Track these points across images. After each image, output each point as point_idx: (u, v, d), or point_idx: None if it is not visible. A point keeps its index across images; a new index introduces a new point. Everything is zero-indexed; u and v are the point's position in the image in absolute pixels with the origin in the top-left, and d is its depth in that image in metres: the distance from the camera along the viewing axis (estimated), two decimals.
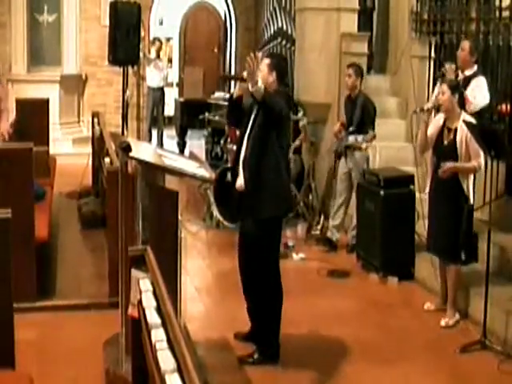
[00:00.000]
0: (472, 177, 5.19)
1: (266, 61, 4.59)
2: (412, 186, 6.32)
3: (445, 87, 5.20)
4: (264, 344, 4.56)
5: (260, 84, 4.34)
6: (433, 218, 5.37)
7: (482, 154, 5.05)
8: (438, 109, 5.30)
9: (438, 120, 5.34)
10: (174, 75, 14.96)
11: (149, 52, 12.13)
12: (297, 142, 8.08)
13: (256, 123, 4.51)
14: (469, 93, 5.70)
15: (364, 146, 6.76)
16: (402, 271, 6.18)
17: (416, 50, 7.76)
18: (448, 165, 5.05)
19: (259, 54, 4.38)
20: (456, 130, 5.12)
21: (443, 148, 5.19)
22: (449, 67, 6.12)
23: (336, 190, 7.11)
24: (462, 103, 5.23)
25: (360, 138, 6.66)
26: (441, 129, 5.25)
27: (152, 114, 11.99)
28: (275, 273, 4.60)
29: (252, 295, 4.65)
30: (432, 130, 5.31)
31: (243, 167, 4.49)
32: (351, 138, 6.68)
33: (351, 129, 6.78)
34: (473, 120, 5.15)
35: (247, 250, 4.60)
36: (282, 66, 4.69)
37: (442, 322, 5.24)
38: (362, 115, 6.77)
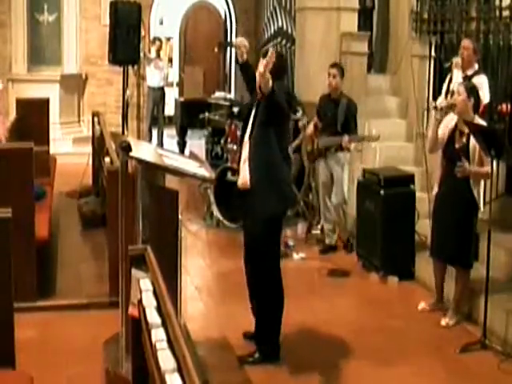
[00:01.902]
0: (482, 183, 5.14)
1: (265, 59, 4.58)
2: (412, 186, 6.32)
3: (461, 88, 5.11)
4: (265, 344, 4.56)
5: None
6: (440, 224, 5.30)
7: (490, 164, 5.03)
8: (452, 107, 5.18)
9: (449, 121, 5.24)
10: (174, 75, 14.96)
11: (149, 51, 12.13)
12: (297, 142, 8.07)
13: (257, 122, 4.50)
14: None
15: (353, 146, 6.72)
16: (403, 271, 6.18)
17: (416, 49, 7.76)
18: (466, 166, 4.97)
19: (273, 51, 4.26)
20: (469, 133, 5.05)
21: (455, 151, 5.12)
22: (456, 61, 6.05)
23: (320, 196, 7.09)
24: (477, 107, 5.15)
25: (359, 136, 6.63)
26: (452, 131, 5.18)
27: (152, 113, 11.99)
28: (277, 273, 4.59)
29: (255, 295, 4.65)
30: (443, 130, 5.23)
31: (248, 167, 4.48)
32: (346, 138, 6.59)
33: (338, 129, 6.73)
34: (484, 123, 5.12)
35: (251, 249, 4.60)
36: (278, 65, 4.55)
37: (443, 322, 5.24)
38: (346, 117, 6.72)
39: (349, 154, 6.86)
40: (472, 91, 5.11)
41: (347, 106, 6.74)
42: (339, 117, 6.71)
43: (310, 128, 6.96)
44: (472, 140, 5.03)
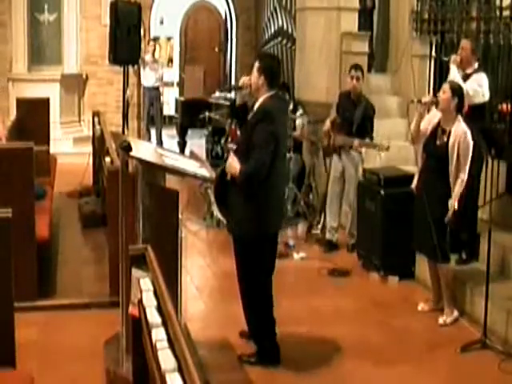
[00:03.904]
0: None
1: (256, 64, 4.50)
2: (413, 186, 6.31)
3: (447, 87, 5.17)
4: (260, 344, 4.56)
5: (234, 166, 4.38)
6: (419, 217, 5.34)
7: (467, 168, 5.07)
8: (435, 104, 5.25)
9: (433, 116, 5.32)
10: (174, 74, 14.96)
11: (146, 52, 12.09)
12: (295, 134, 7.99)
13: (242, 139, 4.53)
14: (468, 86, 5.69)
15: (363, 150, 6.76)
16: (403, 270, 6.18)
17: (416, 49, 7.77)
18: (453, 204, 5.04)
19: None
20: (450, 132, 5.11)
21: (435, 148, 5.21)
22: (454, 58, 6.07)
23: (328, 191, 7.10)
24: (461, 108, 5.19)
25: (370, 143, 6.64)
26: (435, 127, 5.24)
27: (148, 113, 11.98)
28: (257, 278, 4.51)
29: (242, 299, 4.64)
30: (426, 125, 5.32)
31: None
32: (356, 142, 6.60)
33: (353, 131, 6.75)
34: (465, 127, 5.13)
35: (234, 251, 4.62)
36: (271, 68, 4.49)
37: (440, 320, 5.25)
38: (363, 119, 6.74)
39: (362, 155, 6.88)
40: (457, 91, 5.15)
41: (365, 108, 6.78)
42: (356, 119, 6.74)
43: (327, 124, 7.01)
44: (452, 139, 5.08)
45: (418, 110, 5.37)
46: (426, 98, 5.43)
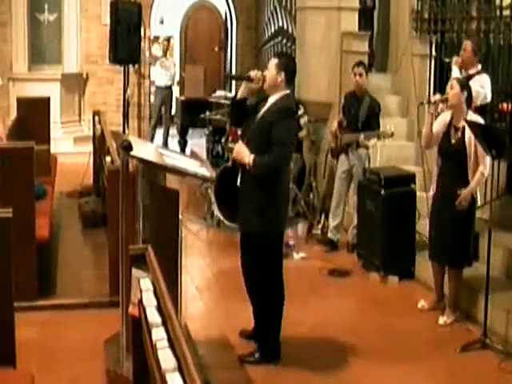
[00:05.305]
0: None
1: (274, 61, 4.49)
2: (413, 185, 6.32)
3: (454, 82, 5.13)
4: (265, 343, 4.56)
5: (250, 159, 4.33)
6: (438, 225, 5.26)
7: (488, 158, 4.99)
8: (445, 101, 5.17)
9: (444, 117, 5.25)
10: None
11: (156, 50, 12.09)
12: (300, 134, 7.98)
13: (255, 135, 4.48)
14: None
15: (371, 143, 6.75)
16: (403, 270, 6.18)
17: (417, 48, 7.76)
18: (464, 192, 4.99)
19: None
20: (464, 128, 5.04)
21: (450, 147, 5.12)
22: (456, 59, 6.07)
23: (334, 189, 7.10)
24: (470, 102, 5.16)
25: (374, 133, 6.62)
26: (447, 127, 5.18)
27: (159, 112, 11.93)
28: (276, 275, 4.58)
29: (253, 295, 4.65)
30: (438, 127, 5.22)
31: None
32: (362, 136, 6.62)
33: (359, 127, 6.76)
34: (479, 119, 5.12)
35: (247, 250, 4.60)
36: (291, 66, 4.55)
37: (441, 321, 5.24)
38: (367, 115, 6.75)
39: (368, 152, 6.88)
40: (465, 86, 5.12)
41: (370, 104, 6.79)
42: (361, 115, 6.76)
43: (334, 125, 7.03)
44: (467, 134, 5.02)
45: (429, 111, 5.28)
46: (436, 97, 5.36)
